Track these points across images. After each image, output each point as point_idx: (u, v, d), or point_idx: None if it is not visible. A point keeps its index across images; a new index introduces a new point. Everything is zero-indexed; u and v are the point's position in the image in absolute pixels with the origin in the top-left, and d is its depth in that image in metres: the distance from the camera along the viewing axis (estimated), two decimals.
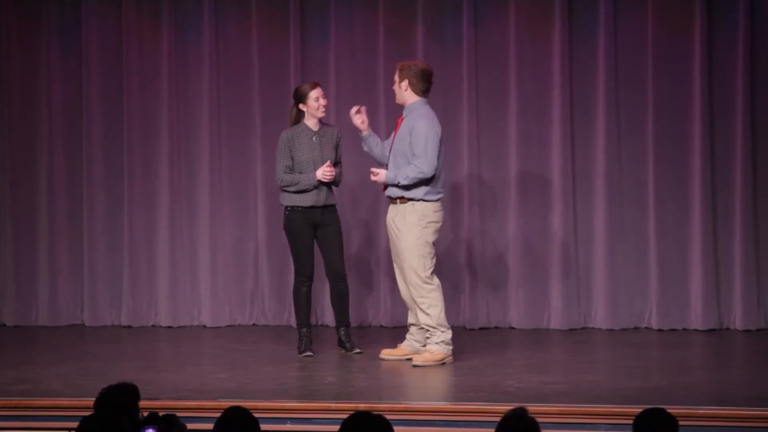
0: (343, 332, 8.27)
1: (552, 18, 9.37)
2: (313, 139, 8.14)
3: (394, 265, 8.05)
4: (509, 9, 9.43)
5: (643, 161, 9.34)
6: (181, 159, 9.80)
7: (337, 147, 8.23)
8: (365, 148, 8.09)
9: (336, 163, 8.18)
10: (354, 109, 8.06)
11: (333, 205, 8.22)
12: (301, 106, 8.17)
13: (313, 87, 8.17)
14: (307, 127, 8.16)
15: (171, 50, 9.75)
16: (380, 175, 7.85)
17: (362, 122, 8.03)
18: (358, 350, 8.21)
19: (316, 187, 8.08)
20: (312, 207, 8.11)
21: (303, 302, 8.19)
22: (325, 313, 9.58)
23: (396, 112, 8.38)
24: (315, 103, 8.12)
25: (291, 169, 8.11)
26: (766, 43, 9.18)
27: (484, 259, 9.51)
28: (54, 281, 9.89)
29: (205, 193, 9.76)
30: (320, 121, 8.19)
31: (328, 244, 8.19)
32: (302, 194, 8.09)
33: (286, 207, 8.15)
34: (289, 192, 8.12)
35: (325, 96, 8.23)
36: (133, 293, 9.79)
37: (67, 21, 9.87)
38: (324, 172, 8.05)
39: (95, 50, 9.83)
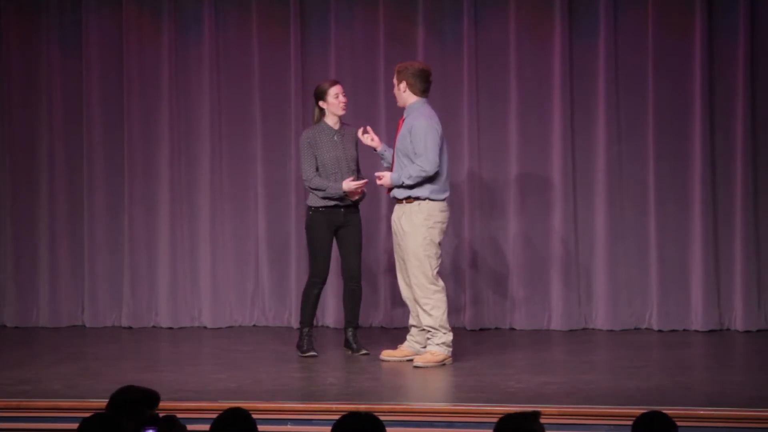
0: (351, 333, 8.26)
1: (552, 18, 9.37)
2: (335, 138, 8.13)
3: (397, 266, 8.04)
4: (509, 9, 9.43)
5: (643, 161, 9.34)
6: (181, 159, 9.80)
7: (356, 146, 8.23)
8: (385, 165, 8.09)
9: (356, 161, 8.18)
10: (360, 131, 8.08)
11: (356, 205, 8.21)
12: (321, 103, 8.14)
13: (333, 84, 8.16)
14: (327, 126, 8.14)
15: (171, 50, 9.75)
16: (385, 178, 7.85)
17: (372, 140, 8.06)
18: (364, 351, 8.19)
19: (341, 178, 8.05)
20: (336, 207, 8.10)
21: (312, 303, 8.18)
22: (326, 314, 9.58)
23: (396, 111, 8.38)
24: (335, 100, 8.10)
25: (317, 168, 8.08)
26: (767, 43, 9.18)
27: (485, 259, 9.51)
28: (54, 282, 9.89)
29: (206, 193, 9.75)
30: (341, 120, 8.17)
31: (348, 244, 8.18)
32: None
33: (310, 207, 8.13)
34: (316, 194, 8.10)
35: (345, 94, 8.20)
36: (133, 294, 9.79)
37: (67, 21, 9.86)
38: (356, 186, 8.01)
39: (95, 50, 9.83)
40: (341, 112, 8.13)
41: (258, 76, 9.72)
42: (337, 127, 8.15)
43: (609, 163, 9.35)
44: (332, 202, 8.09)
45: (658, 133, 9.28)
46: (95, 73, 9.83)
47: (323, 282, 8.19)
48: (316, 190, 8.06)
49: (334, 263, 8.35)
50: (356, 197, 8.13)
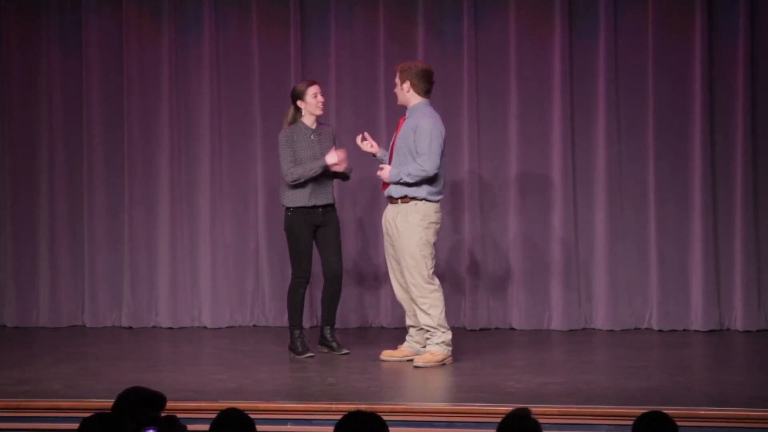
0: (329, 331, 8.25)
1: (552, 18, 9.37)
2: (312, 137, 8.14)
3: (388, 266, 8.04)
4: (509, 9, 9.43)
5: (643, 161, 9.34)
6: (181, 159, 9.80)
7: (333, 145, 8.23)
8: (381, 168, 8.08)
9: None
10: (359, 138, 8.09)
11: (333, 205, 8.22)
12: (299, 103, 8.15)
13: (311, 84, 8.17)
14: (305, 125, 8.15)
15: (171, 50, 9.75)
16: (384, 170, 7.85)
17: (371, 146, 8.07)
18: (346, 351, 8.19)
19: (319, 178, 8.02)
20: (314, 207, 8.10)
21: (300, 304, 8.19)
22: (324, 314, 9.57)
23: (396, 111, 8.39)
24: (313, 99, 8.10)
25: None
26: (767, 43, 9.18)
27: (485, 259, 9.51)
28: (54, 282, 9.89)
29: (206, 193, 9.76)
30: (317, 119, 8.18)
31: (327, 244, 8.18)
32: (304, 195, 8.06)
33: (288, 208, 8.14)
34: (295, 189, 8.07)
35: (323, 93, 8.21)
36: (133, 294, 9.79)
37: (67, 21, 9.87)
38: (339, 156, 8.00)
39: (95, 50, 9.83)
40: (319, 112, 8.14)
41: (258, 76, 9.72)
42: (314, 126, 8.16)
43: (609, 163, 9.35)
44: (310, 202, 8.07)
45: (658, 133, 9.28)
46: (95, 73, 9.84)
47: (307, 282, 8.20)
48: (299, 179, 8.01)
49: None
50: (341, 168, 8.07)
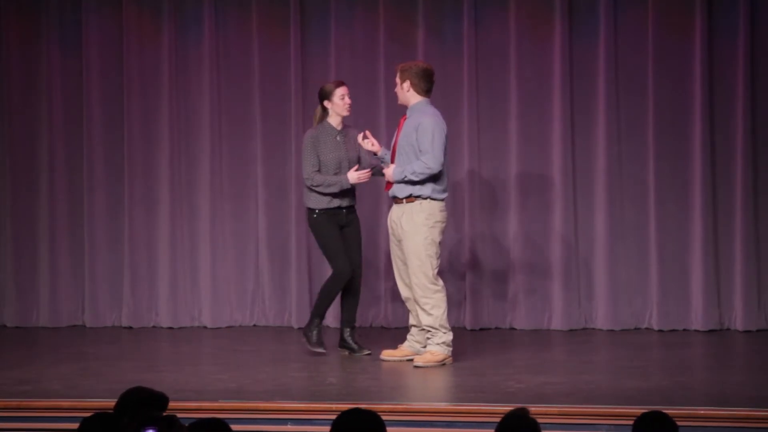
0: (349, 333, 8.23)
1: (552, 18, 9.37)
2: (338, 138, 8.13)
3: (394, 266, 8.04)
4: (509, 9, 9.43)
5: (643, 161, 9.34)
6: (181, 159, 9.80)
7: (358, 147, 8.23)
8: (385, 168, 8.08)
9: (358, 162, 8.18)
10: (360, 136, 8.09)
11: (354, 206, 8.22)
12: (326, 103, 8.14)
13: (338, 85, 8.17)
14: (331, 126, 8.15)
15: (171, 50, 9.75)
16: (389, 170, 7.85)
17: (372, 145, 8.07)
18: (367, 351, 8.17)
19: (344, 190, 8.06)
20: (338, 208, 8.10)
21: (332, 299, 8.15)
22: (327, 314, 9.56)
23: (396, 111, 8.39)
24: (340, 101, 8.10)
25: (318, 168, 8.08)
26: (767, 43, 9.18)
27: (485, 259, 9.51)
28: (54, 282, 9.89)
29: (206, 193, 9.75)
30: (343, 120, 8.18)
31: (349, 243, 8.18)
32: (330, 197, 8.06)
33: (313, 210, 8.11)
34: (316, 193, 8.08)
35: (350, 95, 8.20)
36: (133, 294, 9.79)
37: (67, 21, 9.87)
38: (360, 176, 8.04)
39: (95, 50, 9.83)
40: (346, 113, 8.14)
41: (258, 76, 9.72)
42: (339, 127, 8.16)
43: (609, 163, 9.35)
44: (335, 204, 8.08)
45: (658, 133, 9.28)
46: (95, 73, 9.83)
47: (349, 277, 8.09)
48: (318, 186, 8.03)
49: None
50: (365, 179, 8.09)
